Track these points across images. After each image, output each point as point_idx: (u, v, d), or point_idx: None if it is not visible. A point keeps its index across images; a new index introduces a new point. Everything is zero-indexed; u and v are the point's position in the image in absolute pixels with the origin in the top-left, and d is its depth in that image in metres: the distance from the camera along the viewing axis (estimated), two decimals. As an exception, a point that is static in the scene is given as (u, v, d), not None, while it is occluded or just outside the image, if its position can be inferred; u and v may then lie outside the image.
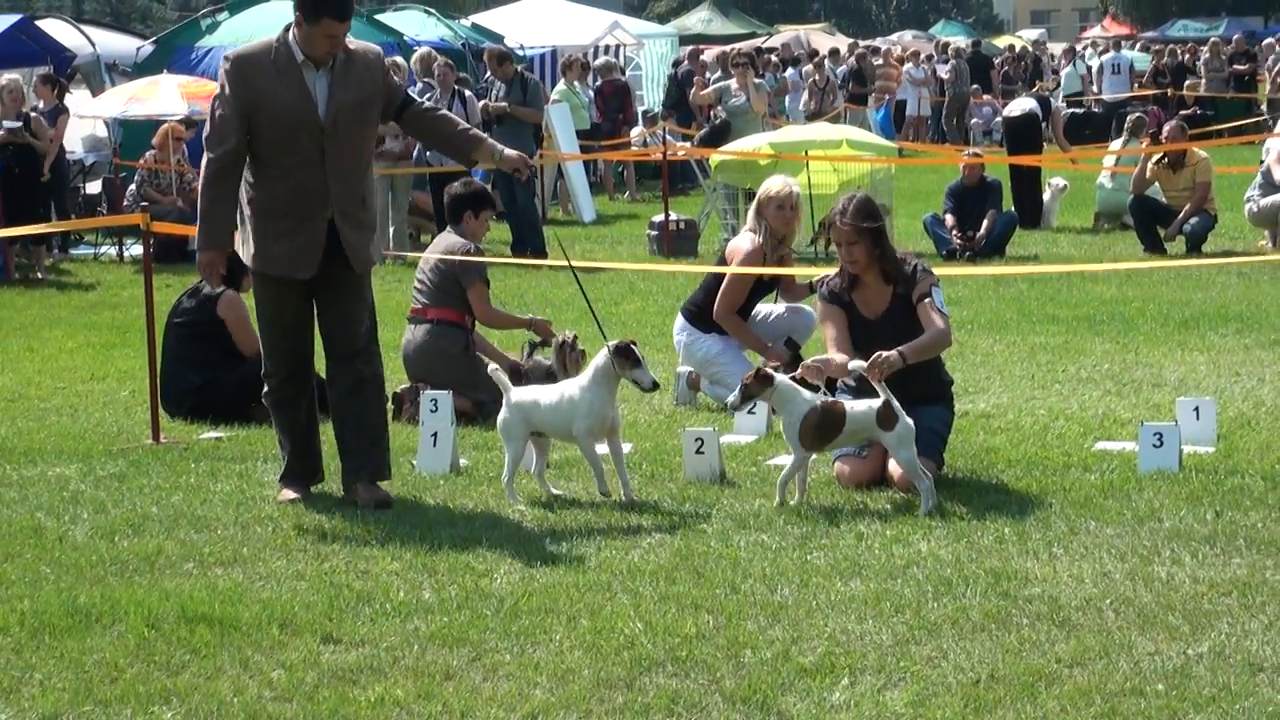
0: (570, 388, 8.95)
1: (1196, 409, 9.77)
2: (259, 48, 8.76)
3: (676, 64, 34.69)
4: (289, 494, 9.02)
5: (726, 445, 9.84)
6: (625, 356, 8.78)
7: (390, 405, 11.26)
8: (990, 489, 8.84)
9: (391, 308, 16.12)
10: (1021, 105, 24.30)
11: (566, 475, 9.42)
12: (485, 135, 9.10)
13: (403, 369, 11.69)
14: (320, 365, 9.23)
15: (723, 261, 11.64)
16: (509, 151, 8.98)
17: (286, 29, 8.72)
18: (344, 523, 8.46)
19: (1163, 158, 20.18)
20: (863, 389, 8.83)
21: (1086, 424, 10.45)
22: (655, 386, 8.92)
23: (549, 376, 11.10)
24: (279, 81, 8.62)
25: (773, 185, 11.41)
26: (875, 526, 8.11)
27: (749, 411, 10.42)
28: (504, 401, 9.00)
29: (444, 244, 11.49)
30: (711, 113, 25.53)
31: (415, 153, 20.91)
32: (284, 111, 8.61)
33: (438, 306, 11.40)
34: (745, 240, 11.44)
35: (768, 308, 11.72)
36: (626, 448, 10.04)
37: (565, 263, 9.64)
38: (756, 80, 25.50)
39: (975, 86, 39.83)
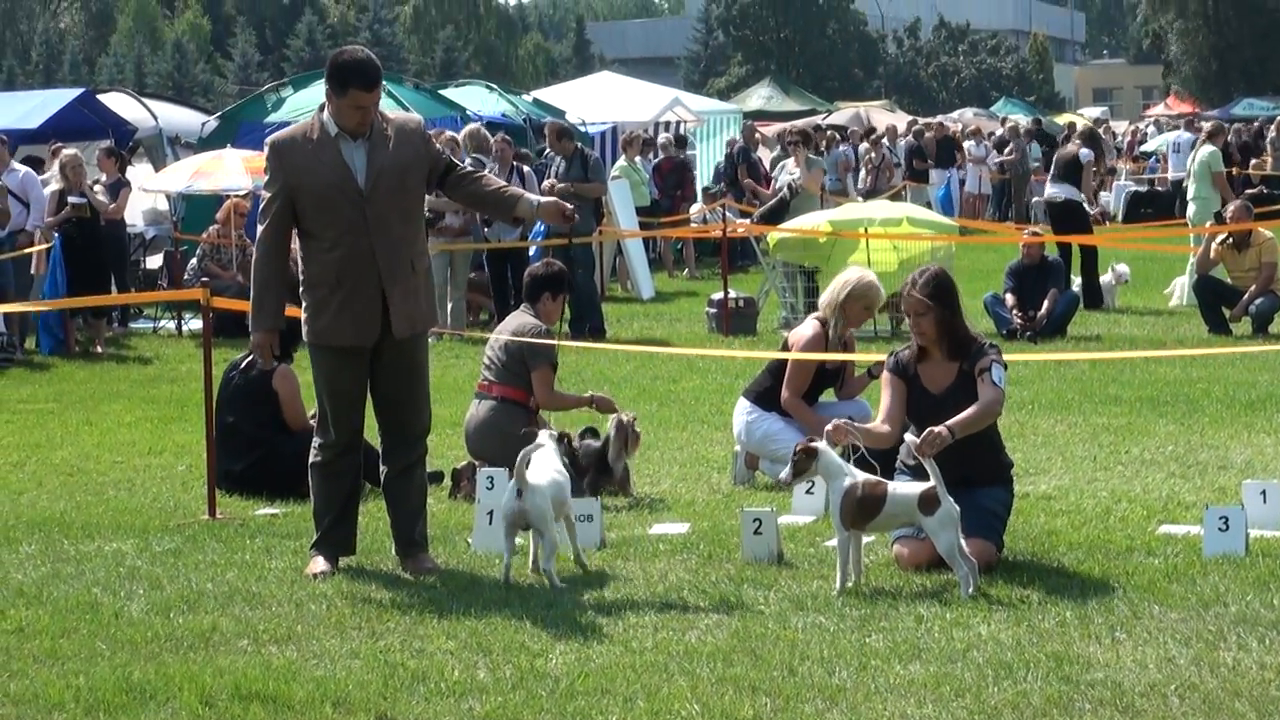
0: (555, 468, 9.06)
1: (1263, 492, 9.68)
2: (297, 128, 9.11)
3: (731, 143, 34.79)
4: (320, 565, 9.08)
5: (785, 526, 9.81)
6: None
7: (448, 481, 11.33)
8: (1052, 572, 8.77)
9: (449, 384, 16.19)
10: (1064, 190, 23.70)
11: (624, 555, 9.40)
12: (523, 191, 9.26)
13: (463, 445, 11.73)
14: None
15: (785, 349, 11.73)
16: (545, 199, 9.13)
17: (321, 107, 9.02)
18: (399, 600, 8.46)
19: (1227, 238, 20.08)
20: (922, 469, 8.79)
21: (1150, 507, 10.37)
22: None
23: (602, 460, 11.11)
24: (316, 156, 8.90)
25: (860, 282, 11.42)
26: (935, 609, 8.05)
27: (807, 491, 10.41)
28: (522, 490, 8.61)
29: (516, 323, 11.56)
30: (772, 187, 25.50)
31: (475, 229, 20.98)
32: (323, 183, 8.87)
33: (503, 384, 11.47)
34: (808, 328, 11.58)
35: (829, 403, 11.76)
36: (684, 527, 10.04)
37: (613, 343, 9.69)
38: (812, 157, 25.47)
39: (1036, 164, 39.77)
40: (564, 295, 11.73)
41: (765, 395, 11.68)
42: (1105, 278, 23.09)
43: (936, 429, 8.62)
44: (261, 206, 9.06)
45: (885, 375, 9.35)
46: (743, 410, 11.75)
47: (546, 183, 21.52)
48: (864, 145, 38.82)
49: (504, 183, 9.42)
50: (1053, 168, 23.99)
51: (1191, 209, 23.70)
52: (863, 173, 36.85)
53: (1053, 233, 23.17)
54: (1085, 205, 23.75)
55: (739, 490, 11.40)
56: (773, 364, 11.86)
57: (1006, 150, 40.37)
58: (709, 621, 7.92)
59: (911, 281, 9.23)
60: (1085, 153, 23.44)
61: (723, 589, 8.56)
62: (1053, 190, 23.60)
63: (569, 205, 9.13)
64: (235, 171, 23.34)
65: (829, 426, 8.94)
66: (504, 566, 8.73)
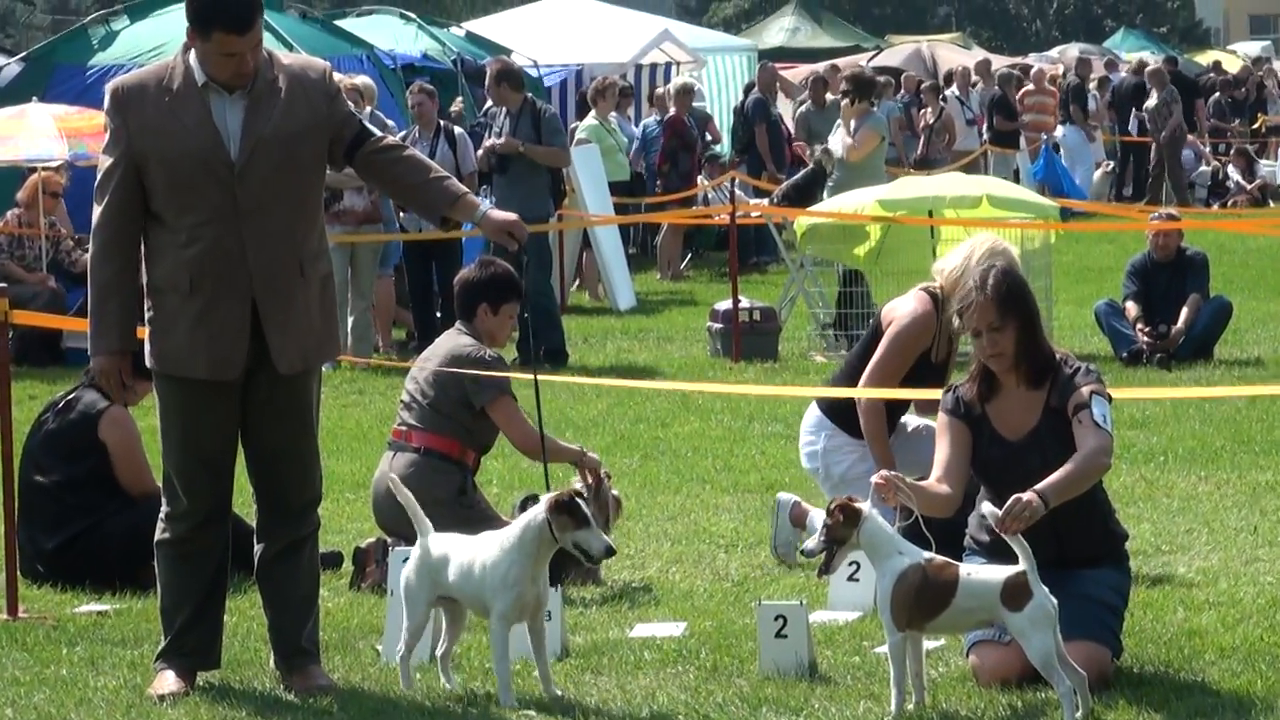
0: (486, 547, 9.05)
1: None
2: (152, 72, 9.09)
3: (747, 90, 34.82)
4: (169, 683, 9.07)
5: (818, 625, 9.81)
6: (569, 515, 8.89)
7: (349, 566, 11.30)
8: (1195, 689, 8.79)
9: (349, 430, 16.18)
10: None
11: (594, 667, 9.39)
12: (466, 189, 9.26)
13: (370, 514, 11.71)
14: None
15: (878, 328, 11.28)
16: (495, 212, 9.17)
17: (186, 46, 8.97)
18: (278, 732, 8.46)
19: None
20: (999, 547, 8.77)
21: (1333, 597, 10.42)
22: (609, 553, 9.11)
23: None
24: (174, 113, 8.88)
25: (995, 245, 10.82)
26: (1030, 741, 8.06)
27: (850, 578, 10.37)
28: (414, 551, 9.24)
29: (448, 346, 11.53)
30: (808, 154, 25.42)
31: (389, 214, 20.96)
32: (180, 151, 8.85)
33: (429, 431, 11.43)
34: (913, 300, 11.11)
35: (921, 422, 11.45)
36: (679, 628, 10.03)
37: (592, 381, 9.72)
38: (876, 115, 25.24)
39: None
40: (511, 305, 11.72)
41: (847, 410, 11.25)
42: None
43: (1024, 496, 8.59)
44: (99, 179, 9.00)
45: (941, 418, 9.29)
46: (814, 425, 11.44)
47: (487, 143, 21.29)
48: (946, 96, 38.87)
49: (435, 165, 9.42)
50: None
51: None
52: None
53: None
54: None
55: (755, 576, 11.33)
56: (854, 361, 11.38)
57: (1150, 103, 40.19)
58: (713, 760, 7.93)
59: (980, 282, 9.16)
60: None
61: (733, 713, 8.56)
62: None
63: (524, 228, 9.14)
64: (45, 134, 23.19)
65: (875, 478, 8.88)
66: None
